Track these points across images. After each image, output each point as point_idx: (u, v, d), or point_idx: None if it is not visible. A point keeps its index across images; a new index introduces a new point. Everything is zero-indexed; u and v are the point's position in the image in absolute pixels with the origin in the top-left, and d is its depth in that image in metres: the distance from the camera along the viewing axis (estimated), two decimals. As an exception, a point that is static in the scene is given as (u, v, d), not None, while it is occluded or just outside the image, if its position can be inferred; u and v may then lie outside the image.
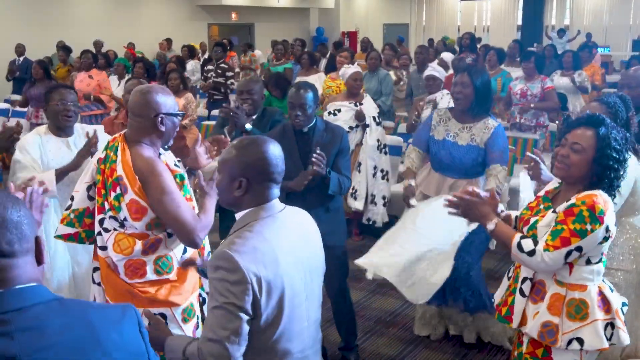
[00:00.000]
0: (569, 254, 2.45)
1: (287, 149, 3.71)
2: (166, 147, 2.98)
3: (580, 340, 2.49)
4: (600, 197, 2.47)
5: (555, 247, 2.44)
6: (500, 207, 2.83)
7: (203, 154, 3.14)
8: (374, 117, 6.17)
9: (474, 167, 4.06)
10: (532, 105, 7.01)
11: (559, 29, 18.58)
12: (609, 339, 2.50)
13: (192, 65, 12.01)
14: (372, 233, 6.65)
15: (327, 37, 20.90)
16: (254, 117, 4.47)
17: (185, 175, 2.99)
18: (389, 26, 23.94)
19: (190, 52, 12.66)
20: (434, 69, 6.06)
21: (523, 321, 2.64)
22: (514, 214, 2.86)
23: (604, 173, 2.50)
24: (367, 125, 6.12)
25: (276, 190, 2.21)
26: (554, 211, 2.57)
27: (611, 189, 2.53)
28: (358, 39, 20.26)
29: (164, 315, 2.82)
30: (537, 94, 7.05)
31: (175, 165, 2.96)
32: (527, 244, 2.51)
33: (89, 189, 2.95)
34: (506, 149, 4.02)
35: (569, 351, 2.53)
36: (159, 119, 2.79)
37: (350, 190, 6.25)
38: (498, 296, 2.86)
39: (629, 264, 3.34)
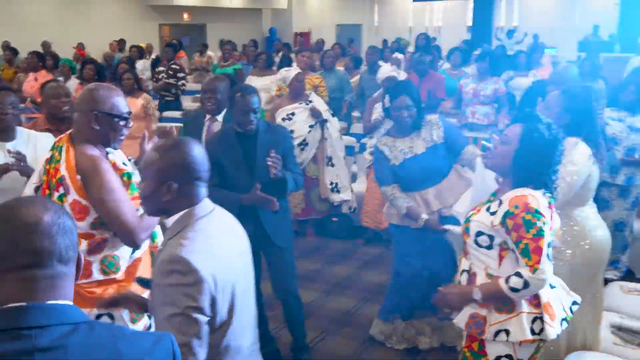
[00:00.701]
0: (548, 255, 2.51)
1: (231, 154, 3.69)
2: (116, 146, 2.92)
3: (507, 332, 2.54)
4: (530, 196, 2.53)
5: (536, 262, 2.47)
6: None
7: None
8: (327, 110, 6.24)
9: (444, 165, 4.02)
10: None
11: (507, 30, 18.93)
12: (537, 333, 2.54)
13: (141, 65, 11.86)
14: (327, 234, 6.68)
15: (280, 38, 20.85)
16: (219, 117, 4.42)
17: (134, 174, 2.93)
18: (342, 27, 24.02)
19: (140, 52, 12.50)
20: (395, 70, 6.10)
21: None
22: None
23: (526, 166, 2.56)
24: (326, 120, 6.14)
25: (204, 190, 2.17)
26: (489, 209, 2.63)
27: (543, 185, 2.58)
28: (311, 40, 20.31)
29: (111, 316, 2.78)
30: (489, 94, 7.14)
31: (124, 164, 2.91)
32: (517, 283, 2.49)
33: (36, 189, 2.90)
34: (459, 132, 4.15)
35: (500, 344, 2.57)
36: (92, 115, 2.73)
37: (330, 186, 6.27)
38: None
39: (570, 254, 3.41)
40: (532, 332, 2.54)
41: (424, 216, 3.86)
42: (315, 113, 6.06)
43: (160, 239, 3.16)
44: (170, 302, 1.95)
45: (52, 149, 2.87)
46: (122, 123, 2.82)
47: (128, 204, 2.72)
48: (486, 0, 19.29)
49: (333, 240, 6.57)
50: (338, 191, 6.30)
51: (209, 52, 13.51)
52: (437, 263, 3.96)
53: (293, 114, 6.12)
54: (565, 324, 2.64)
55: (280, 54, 12.46)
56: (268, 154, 3.65)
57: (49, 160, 2.83)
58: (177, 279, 1.95)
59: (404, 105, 3.96)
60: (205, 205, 2.16)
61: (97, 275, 2.78)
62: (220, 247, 2.08)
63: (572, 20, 21.38)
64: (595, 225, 3.47)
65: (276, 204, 3.72)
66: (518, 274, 2.49)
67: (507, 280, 2.52)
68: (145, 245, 3.00)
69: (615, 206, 5.16)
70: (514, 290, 2.50)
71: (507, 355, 2.59)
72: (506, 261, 2.60)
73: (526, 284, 2.47)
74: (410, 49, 14.76)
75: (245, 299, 2.17)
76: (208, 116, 4.49)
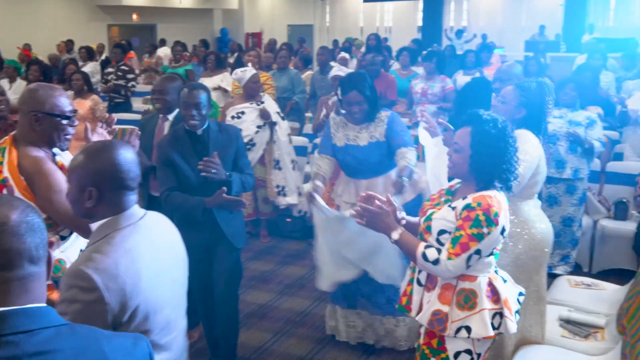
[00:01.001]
0: (469, 258, 2.52)
1: (183, 154, 3.64)
2: (62, 146, 2.85)
3: (468, 329, 2.57)
4: (495, 198, 2.55)
5: (456, 254, 2.51)
6: (402, 214, 2.88)
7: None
8: (278, 113, 6.22)
9: (382, 163, 4.10)
10: (436, 106, 7.20)
11: (457, 30, 19.21)
12: (497, 328, 2.59)
13: (91, 67, 11.62)
14: (280, 234, 6.67)
15: (232, 38, 20.73)
16: (170, 118, 4.36)
17: None
18: (293, 27, 24.01)
19: (89, 53, 12.26)
20: (339, 69, 6.11)
21: (420, 310, 2.70)
22: (415, 219, 2.92)
23: (483, 168, 2.58)
24: (275, 123, 6.13)
25: (133, 197, 2.07)
26: (450, 205, 2.65)
27: (504, 182, 2.62)
28: (263, 40, 20.26)
29: None
30: (437, 92, 7.24)
31: None
32: (432, 254, 2.56)
33: None
34: (405, 130, 4.07)
35: (460, 340, 2.60)
36: (33, 116, 2.68)
37: (276, 189, 6.24)
38: (402, 287, 2.90)
39: (512, 246, 3.47)
40: (493, 327, 2.58)
41: (317, 182, 4.04)
42: (264, 114, 6.05)
43: None
44: (68, 316, 1.80)
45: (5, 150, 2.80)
46: (65, 122, 2.76)
47: None
48: (436, 1, 19.53)
49: (287, 241, 6.56)
50: (284, 195, 6.28)
51: (159, 53, 13.35)
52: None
53: (243, 112, 6.09)
54: (517, 316, 2.69)
55: (235, 55, 12.42)
56: (220, 154, 3.62)
57: None
58: (75, 294, 1.84)
59: (354, 101, 3.98)
60: (132, 213, 2.05)
61: None
62: (136, 263, 1.96)
63: (518, 21, 21.85)
64: (538, 219, 3.54)
65: (244, 202, 3.69)
66: (438, 250, 2.56)
67: (427, 246, 2.59)
68: None
69: (563, 202, 5.29)
70: (424, 256, 2.56)
71: (466, 350, 2.63)
72: None
73: (435, 262, 2.53)
74: (363, 49, 14.86)
75: (165, 317, 2.06)
76: (161, 116, 4.43)
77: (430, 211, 2.73)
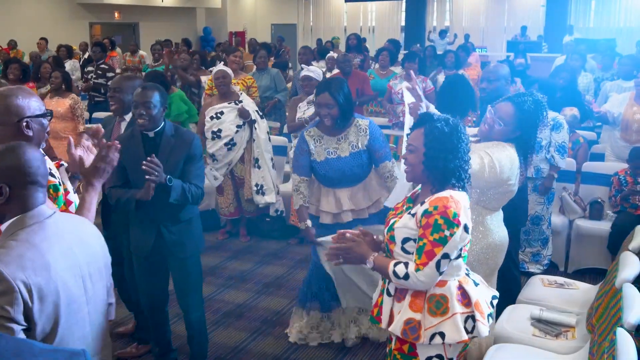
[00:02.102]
0: (438, 264, 2.51)
1: (134, 155, 3.55)
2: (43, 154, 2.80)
3: (442, 334, 2.55)
4: (451, 199, 2.54)
5: (423, 264, 2.51)
6: (379, 237, 2.88)
7: (84, 155, 2.87)
8: (256, 111, 6.23)
9: (363, 171, 4.12)
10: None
11: (440, 30, 19.31)
12: (470, 332, 2.58)
13: (70, 65, 11.56)
14: (260, 234, 6.67)
15: (215, 37, 20.70)
16: (127, 119, 4.26)
17: (61, 186, 2.82)
18: (277, 26, 24.00)
19: (68, 52, 12.18)
20: (308, 70, 6.13)
21: (391, 320, 2.68)
22: None
23: (437, 165, 2.59)
24: (254, 121, 6.14)
25: (42, 195, 2.14)
26: (410, 212, 2.64)
27: (460, 180, 2.62)
28: (246, 39, 20.22)
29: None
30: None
31: (52, 175, 2.78)
32: (400, 270, 2.56)
33: None
34: (385, 141, 4.13)
35: (432, 345, 2.58)
36: (24, 123, 2.62)
37: (254, 188, 6.24)
38: (374, 298, 2.89)
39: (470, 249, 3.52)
40: (466, 331, 2.57)
41: (308, 223, 4.11)
42: (243, 113, 6.05)
43: None
44: None
45: None
46: (49, 119, 2.75)
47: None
48: (419, 1, 19.61)
49: (266, 241, 6.56)
50: (263, 193, 6.28)
51: (141, 52, 13.30)
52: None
53: (222, 112, 6.11)
54: (490, 320, 2.68)
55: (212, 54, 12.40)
56: (168, 158, 3.54)
57: None
58: None
59: (323, 103, 3.97)
60: (39, 212, 2.12)
61: None
62: (44, 256, 2.05)
63: (501, 21, 21.99)
64: (496, 227, 3.62)
65: (149, 191, 3.45)
66: (406, 264, 2.56)
67: (396, 264, 2.58)
68: None
69: (530, 201, 5.32)
70: (395, 274, 2.57)
71: (437, 355, 2.61)
72: None
73: (406, 276, 2.54)
74: (342, 48, 14.90)
75: (77, 311, 2.13)
76: (117, 117, 4.32)
77: (392, 220, 2.72)
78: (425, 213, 2.53)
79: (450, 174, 2.60)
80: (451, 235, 2.49)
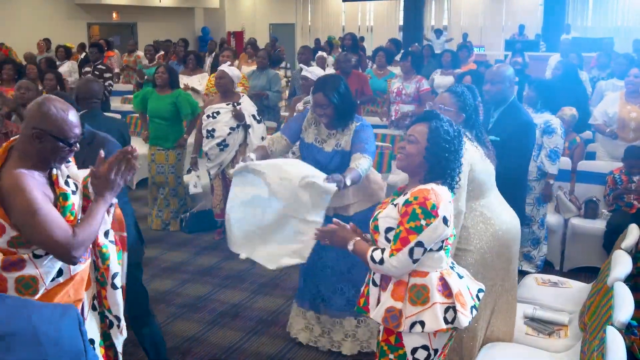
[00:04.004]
0: (411, 251, 2.57)
1: None
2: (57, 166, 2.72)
3: (422, 323, 2.63)
4: (432, 191, 2.61)
5: (397, 249, 2.59)
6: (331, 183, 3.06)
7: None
8: (253, 116, 6.21)
9: (340, 170, 3.94)
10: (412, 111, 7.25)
11: (435, 30, 19.32)
12: (450, 322, 2.64)
13: (68, 66, 11.56)
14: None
15: (213, 37, 20.70)
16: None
17: (71, 194, 2.73)
18: (275, 26, 24.01)
19: (66, 52, 12.19)
20: (306, 70, 6.15)
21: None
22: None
23: (437, 163, 2.67)
24: (249, 126, 6.14)
25: None
26: (393, 203, 2.73)
27: (450, 181, 2.71)
28: (244, 39, 20.23)
29: None
30: (411, 93, 7.29)
31: (66, 183, 2.74)
32: (377, 255, 2.66)
33: None
34: (369, 140, 3.94)
35: (417, 336, 2.65)
36: (35, 132, 2.54)
37: None
38: (361, 289, 2.95)
39: (474, 245, 3.52)
40: (446, 321, 2.63)
41: (252, 156, 3.86)
42: (238, 116, 6.06)
43: (112, 260, 2.90)
44: None
45: None
46: (66, 149, 2.62)
47: (56, 221, 2.53)
48: (417, 1, 19.60)
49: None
50: None
51: (138, 52, 13.30)
52: (336, 252, 4.05)
53: (218, 112, 6.13)
54: (474, 311, 2.74)
55: (212, 54, 12.42)
56: (82, 166, 3.34)
57: None
58: None
59: (317, 103, 3.93)
60: None
61: (12, 292, 2.60)
62: None
63: (499, 20, 22.00)
64: (498, 214, 3.57)
65: None
66: (382, 250, 2.66)
67: (374, 249, 2.69)
68: (77, 269, 2.76)
69: (519, 202, 5.34)
70: (372, 259, 2.67)
71: (423, 346, 2.68)
72: None
73: (381, 261, 2.63)
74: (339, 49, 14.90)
75: None
76: None
77: (377, 211, 2.81)
78: (406, 202, 2.62)
79: (444, 173, 2.69)
80: (427, 225, 2.56)
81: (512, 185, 4.28)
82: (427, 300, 2.64)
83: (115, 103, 10.60)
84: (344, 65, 7.65)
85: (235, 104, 6.14)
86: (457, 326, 2.66)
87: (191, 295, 5.25)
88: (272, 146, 4.09)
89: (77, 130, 2.64)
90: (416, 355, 2.68)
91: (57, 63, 11.48)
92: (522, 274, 5.02)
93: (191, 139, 6.86)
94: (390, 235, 2.68)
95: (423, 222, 2.55)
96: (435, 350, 2.70)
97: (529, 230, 5.53)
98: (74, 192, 2.74)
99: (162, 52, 13.03)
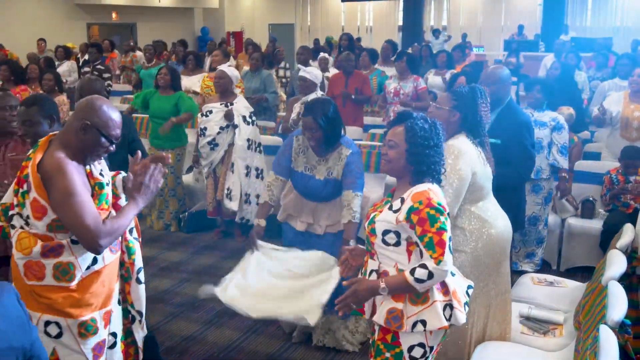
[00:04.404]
0: (450, 248, 2.64)
1: None
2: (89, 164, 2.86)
3: (424, 322, 2.66)
4: (431, 191, 2.66)
5: (441, 254, 2.60)
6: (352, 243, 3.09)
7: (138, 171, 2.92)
8: (244, 117, 6.22)
9: (333, 195, 4.12)
10: (413, 105, 7.27)
11: (433, 30, 19.33)
12: (448, 319, 2.68)
13: (68, 66, 11.57)
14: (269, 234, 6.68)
15: (213, 37, 20.71)
16: None
17: (106, 184, 2.88)
18: (274, 26, 24.02)
19: (66, 52, 12.20)
20: (304, 71, 6.17)
21: (374, 311, 2.78)
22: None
23: (419, 160, 2.71)
24: (236, 126, 6.16)
25: None
26: (390, 207, 2.74)
27: (435, 174, 2.75)
28: (243, 39, 20.25)
29: (59, 325, 2.76)
30: (409, 92, 7.31)
31: (101, 174, 2.87)
32: (422, 274, 2.60)
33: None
34: (360, 175, 4.04)
35: (415, 333, 2.68)
36: (83, 123, 2.70)
37: (225, 192, 6.27)
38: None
39: (470, 247, 3.54)
40: (445, 318, 2.67)
41: (262, 222, 4.11)
42: (227, 116, 6.09)
43: (137, 255, 3.09)
44: None
45: (33, 146, 2.87)
46: (106, 145, 2.78)
47: (90, 207, 2.66)
48: (416, 1, 19.60)
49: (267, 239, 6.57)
50: (230, 199, 6.26)
51: (138, 52, 13.31)
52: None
53: (211, 111, 6.18)
54: (467, 308, 2.80)
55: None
56: None
57: (27, 157, 2.82)
58: None
59: (307, 127, 3.96)
60: None
61: (49, 279, 2.73)
62: None
63: (498, 21, 22.01)
64: (494, 217, 3.59)
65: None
66: (423, 266, 2.62)
67: (412, 271, 2.63)
68: (109, 259, 2.90)
69: (528, 201, 5.35)
70: (418, 281, 2.61)
71: (419, 344, 2.71)
72: (415, 255, 2.71)
73: (430, 275, 2.60)
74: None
75: None
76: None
77: (372, 214, 2.83)
78: (412, 210, 2.63)
79: (430, 169, 2.73)
80: (445, 219, 2.63)
81: (512, 188, 4.30)
82: (427, 299, 2.68)
83: (115, 103, 10.61)
84: (346, 64, 7.70)
85: (229, 103, 6.17)
86: (454, 323, 2.70)
87: (189, 295, 5.26)
88: (273, 195, 4.16)
89: (119, 131, 2.81)
90: (412, 353, 2.71)
91: (57, 63, 11.51)
92: (520, 273, 5.04)
93: (192, 139, 6.90)
94: (388, 238, 2.71)
95: (442, 219, 2.62)
96: (431, 348, 2.74)
97: (535, 229, 5.56)
98: (107, 184, 2.89)
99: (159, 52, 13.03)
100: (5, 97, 4.01)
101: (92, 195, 2.75)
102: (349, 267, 3.08)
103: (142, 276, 3.09)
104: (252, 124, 6.29)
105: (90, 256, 2.78)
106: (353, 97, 7.52)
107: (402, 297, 2.69)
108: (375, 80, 8.27)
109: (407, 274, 2.64)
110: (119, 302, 3.04)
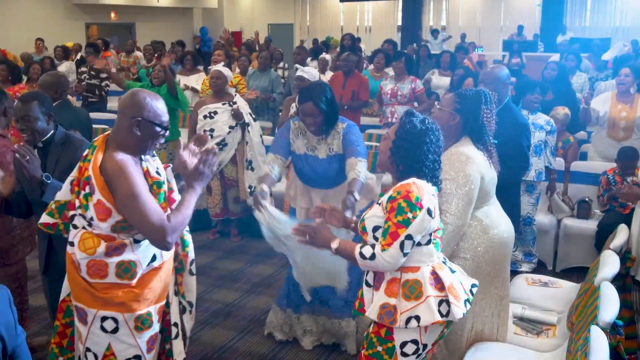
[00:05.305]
0: (402, 244, 2.61)
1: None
2: (153, 154, 2.97)
3: (418, 318, 2.65)
4: (414, 185, 2.66)
5: (388, 244, 2.62)
6: (349, 213, 3.09)
7: (188, 158, 2.94)
8: (250, 114, 6.24)
9: (339, 176, 4.06)
10: (415, 108, 7.26)
11: (432, 30, 19.33)
12: (445, 315, 2.67)
13: (66, 66, 11.56)
14: (251, 234, 6.69)
15: (212, 38, 20.71)
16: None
17: (165, 184, 2.94)
18: (273, 26, 24.01)
19: (65, 52, 12.19)
20: (303, 70, 6.17)
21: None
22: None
23: (404, 155, 2.73)
24: (247, 124, 6.16)
25: None
26: (377, 202, 2.77)
27: (425, 174, 2.73)
28: (242, 39, 20.24)
29: (115, 320, 2.80)
30: (406, 94, 7.29)
31: (157, 173, 2.93)
32: (367, 251, 2.68)
33: (71, 182, 2.95)
34: (359, 141, 3.98)
35: (409, 330, 2.68)
36: (135, 121, 2.76)
37: (249, 190, 6.26)
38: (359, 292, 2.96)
39: (473, 251, 3.50)
40: (440, 314, 2.66)
41: (264, 187, 3.90)
42: (237, 115, 6.08)
43: (190, 247, 3.18)
44: None
45: (89, 147, 2.91)
46: (161, 132, 2.86)
47: (154, 207, 2.73)
48: (415, 1, 19.61)
49: (257, 240, 6.56)
50: None
51: (137, 52, 13.31)
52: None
53: (215, 112, 6.14)
54: (468, 305, 2.78)
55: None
56: (55, 166, 3.47)
57: (84, 158, 2.87)
58: None
59: (308, 112, 3.90)
60: None
61: (112, 277, 2.79)
62: None
63: (497, 21, 21.99)
64: (496, 222, 3.55)
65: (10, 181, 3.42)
66: (372, 246, 2.68)
67: (362, 246, 2.71)
68: (168, 255, 2.98)
69: (523, 202, 5.35)
70: (362, 255, 2.68)
71: (412, 341, 2.71)
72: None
73: (372, 256, 2.65)
74: (337, 48, 14.90)
75: None
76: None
77: (363, 214, 2.85)
78: (390, 199, 2.66)
79: (413, 166, 2.73)
80: (414, 217, 2.61)
81: (507, 190, 4.29)
82: (421, 295, 2.67)
83: (113, 103, 10.60)
84: (345, 65, 7.65)
85: (232, 103, 6.16)
86: (451, 319, 2.69)
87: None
88: (273, 170, 4.06)
89: (167, 116, 2.89)
90: (405, 349, 2.71)
91: (56, 63, 11.49)
92: (518, 274, 5.02)
93: (184, 139, 6.87)
94: (379, 234, 2.70)
95: (410, 215, 2.60)
96: (425, 345, 2.72)
97: (530, 229, 5.57)
98: (164, 182, 2.95)
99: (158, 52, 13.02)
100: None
101: (152, 194, 2.82)
102: (321, 214, 3.10)
103: (194, 268, 3.17)
104: (256, 120, 6.37)
105: (150, 254, 2.86)
106: (345, 107, 7.44)
107: (395, 292, 2.69)
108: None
109: (357, 246, 2.73)
110: (176, 293, 3.13)
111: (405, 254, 2.64)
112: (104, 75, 9.32)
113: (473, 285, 2.88)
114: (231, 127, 6.14)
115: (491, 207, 3.61)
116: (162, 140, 2.91)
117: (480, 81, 4.64)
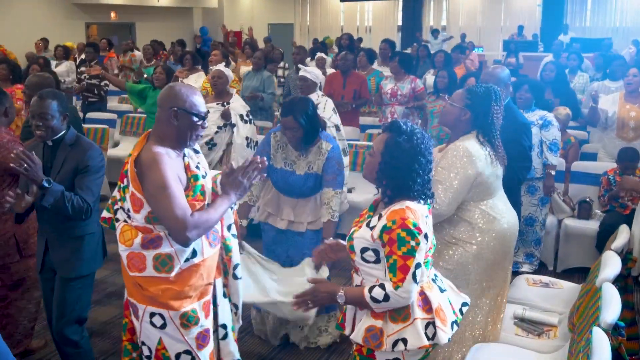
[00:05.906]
0: (414, 275, 2.51)
1: None
2: (195, 149, 3.02)
3: (405, 341, 2.55)
4: (408, 210, 2.54)
5: (400, 280, 2.49)
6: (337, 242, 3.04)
7: (238, 172, 2.98)
8: (241, 116, 6.18)
9: (312, 191, 4.13)
10: (411, 104, 7.25)
11: (432, 30, 19.33)
12: (431, 338, 2.58)
13: (66, 66, 11.54)
14: (247, 234, 6.65)
15: (212, 37, 20.69)
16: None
17: (201, 177, 2.95)
18: (273, 26, 23.99)
19: (65, 52, 12.17)
20: (305, 70, 6.15)
21: (354, 327, 2.72)
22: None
23: (393, 177, 2.59)
24: (234, 125, 6.14)
25: None
26: (368, 225, 2.64)
27: (418, 194, 2.60)
28: (243, 39, 20.22)
29: (162, 316, 2.82)
30: (406, 93, 7.28)
31: (197, 167, 2.96)
32: (378, 293, 2.53)
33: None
34: (340, 172, 4.05)
35: (394, 352, 2.59)
36: (172, 111, 2.81)
37: None
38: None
39: (476, 240, 3.51)
40: (427, 337, 2.57)
41: (243, 222, 4.13)
42: (224, 115, 6.06)
43: (233, 252, 3.12)
44: None
45: (136, 143, 2.96)
46: (199, 122, 2.91)
47: (179, 200, 2.73)
48: (415, 1, 19.63)
49: (253, 240, 6.50)
50: None
51: (136, 51, 13.29)
52: (299, 257, 4.09)
53: (207, 111, 6.10)
54: (455, 327, 2.69)
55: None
56: (61, 167, 3.46)
57: (129, 153, 2.91)
58: None
59: (287, 126, 3.95)
60: None
61: (150, 270, 2.80)
62: None
63: (498, 21, 21.97)
64: (501, 214, 3.57)
65: (21, 204, 3.35)
66: (382, 286, 2.53)
67: (370, 289, 2.55)
68: (209, 253, 2.93)
69: (524, 202, 5.35)
70: (374, 300, 2.54)
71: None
72: None
73: (386, 297, 2.51)
74: (335, 48, 14.92)
75: None
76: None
77: (352, 230, 2.74)
78: (385, 229, 2.53)
79: (402, 188, 2.60)
80: (417, 244, 2.50)
81: (508, 189, 4.28)
82: (408, 317, 2.58)
83: (112, 103, 10.61)
84: (343, 64, 7.66)
85: (225, 103, 6.14)
86: (437, 342, 2.60)
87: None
88: (252, 195, 4.18)
89: (204, 108, 2.95)
90: None
91: (56, 63, 11.48)
92: (519, 275, 5.01)
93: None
94: (367, 255, 2.61)
95: (413, 243, 2.48)
96: None
97: (532, 230, 5.55)
98: (203, 176, 2.96)
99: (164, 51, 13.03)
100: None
101: (187, 187, 2.85)
102: (324, 257, 3.09)
103: (238, 272, 3.16)
104: (250, 123, 6.25)
105: (189, 248, 2.84)
106: (353, 105, 7.52)
107: (381, 315, 2.60)
108: (373, 80, 8.23)
109: (365, 290, 2.57)
110: (225, 295, 3.13)
111: (418, 282, 2.55)
112: (103, 75, 9.30)
113: (464, 304, 2.81)
114: (219, 127, 6.09)
115: (497, 200, 3.63)
116: (201, 133, 2.96)
117: (481, 81, 4.63)
